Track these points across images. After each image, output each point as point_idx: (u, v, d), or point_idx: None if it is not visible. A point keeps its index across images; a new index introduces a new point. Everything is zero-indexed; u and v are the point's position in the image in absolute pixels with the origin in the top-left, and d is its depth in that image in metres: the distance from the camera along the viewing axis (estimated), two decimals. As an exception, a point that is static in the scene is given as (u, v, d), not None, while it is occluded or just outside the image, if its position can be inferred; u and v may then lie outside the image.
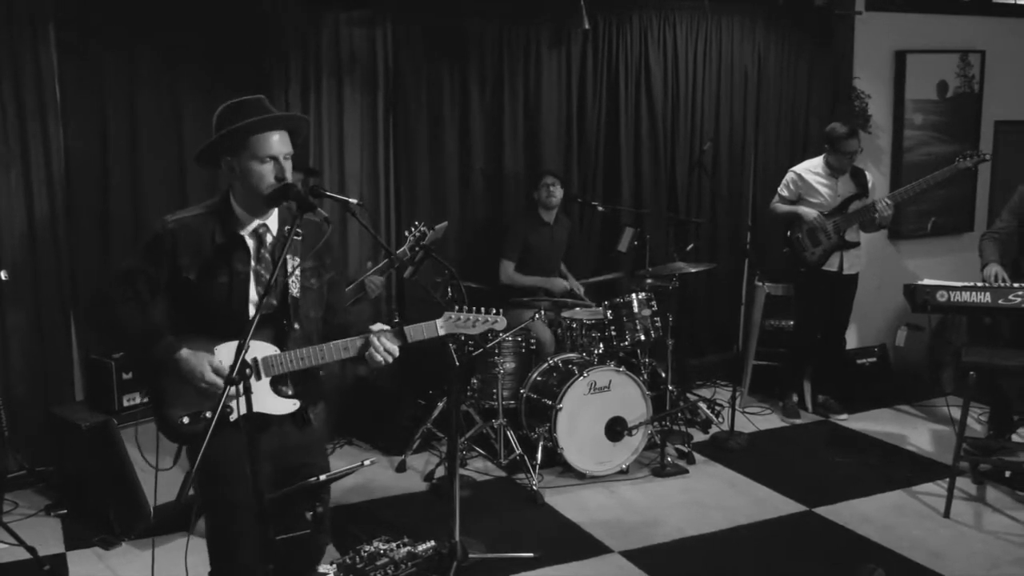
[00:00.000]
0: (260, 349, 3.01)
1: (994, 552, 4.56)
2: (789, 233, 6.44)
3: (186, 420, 2.91)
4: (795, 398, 6.74)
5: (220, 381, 2.87)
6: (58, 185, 5.30)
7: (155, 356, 2.90)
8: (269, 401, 3.04)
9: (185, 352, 2.90)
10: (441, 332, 3.24)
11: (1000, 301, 5.13)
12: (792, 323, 6.90)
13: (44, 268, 5.30)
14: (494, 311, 3.33)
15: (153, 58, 5.42)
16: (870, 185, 6.35)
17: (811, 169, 6.40)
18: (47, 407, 5.21)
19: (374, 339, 3.06)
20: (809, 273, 6.42)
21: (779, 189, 6.52)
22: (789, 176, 6.48)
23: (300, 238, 3.04)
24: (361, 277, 5.14)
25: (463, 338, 5.55)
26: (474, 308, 3.29)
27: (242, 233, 3.02)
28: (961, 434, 5.00)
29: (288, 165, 2.99)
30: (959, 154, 6.14)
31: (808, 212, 6.30)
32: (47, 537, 4.69)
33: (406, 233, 5.19)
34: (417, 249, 5.07)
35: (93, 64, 5.30)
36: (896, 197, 6.20)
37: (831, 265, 6.37)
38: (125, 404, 4.87)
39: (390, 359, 3.08)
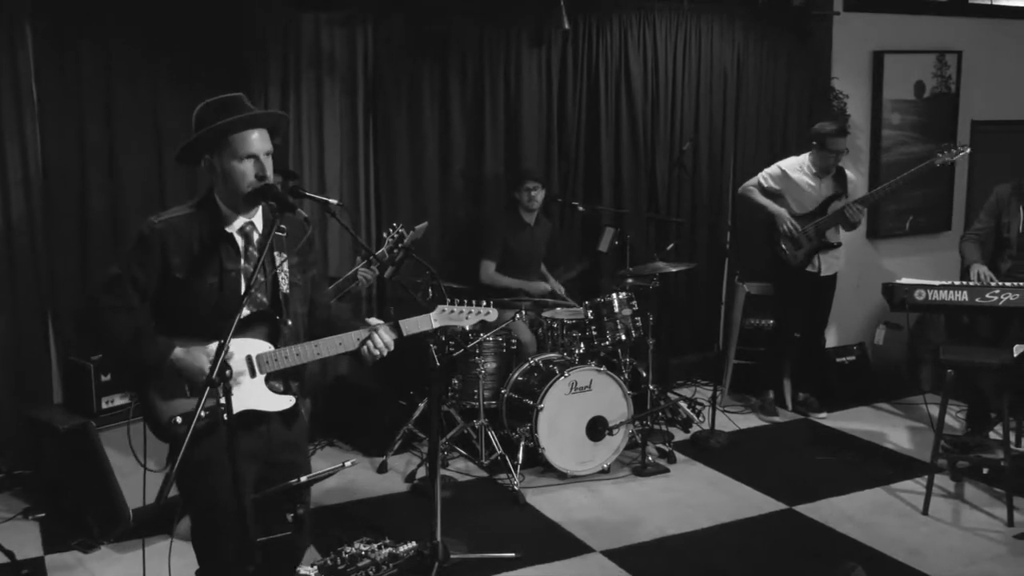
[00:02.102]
0: (254, 346, 3.01)
1: (972, 548, 4.60)
2: (772, 238, 6.44)
3: (179, 420, 2.91)
4: (771, 395, 6.75)
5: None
6: (35, 184, 5.25)
7: (150, 360, 2.89)
8: (264, 398, 3.04)
9: (179, 351, 2.90)
10: (435, 324, 3.33)
11: (977, 300, 5.18)
12: (772, 322, 6.92)
13: (21, 269, 5.26)
14: (485, 303, 3.43)
15: (131, 57, 5.39)
16: (850, 185, 6.38)
17: (797, 167, 6.40)
18: (25, 410, 5.15)
19: (374, 333, 3.13)
20: (790, 274, 6.45)
21: (760, 176, 6.51)
22: (773, 170, 6.48)
23: (284, 234, 3.06)
24: (353, 269, 5.15)
25: (444, 339, 5.57)
26: (465, 301, 3.40)
27: (229, 230, 3.01)
28: (939, 432, 5.04)
29: (269, 162, 2.98)
30: (937, 151, 6.17)
31: (780, 215, 6.32)
32: (25, 541, 4.64)
33: (384, 235, 5.18)
34: (396, 250, 5.08)
35: (70, 63, 5.26)
36: (866, 201, 6.25)
37: (811, 267, 6.39)
38: (104, 407, 4.83)
39: (386, 352, 3.15)
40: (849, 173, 6.46)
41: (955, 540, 4.70)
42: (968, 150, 6.06)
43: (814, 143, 6.29)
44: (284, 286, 3.08)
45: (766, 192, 6.47)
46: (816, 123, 6.44)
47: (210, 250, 2.97)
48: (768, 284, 6.85)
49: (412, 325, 3.24)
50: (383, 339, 3.14)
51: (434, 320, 3.32)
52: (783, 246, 6.38)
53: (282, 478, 2.98)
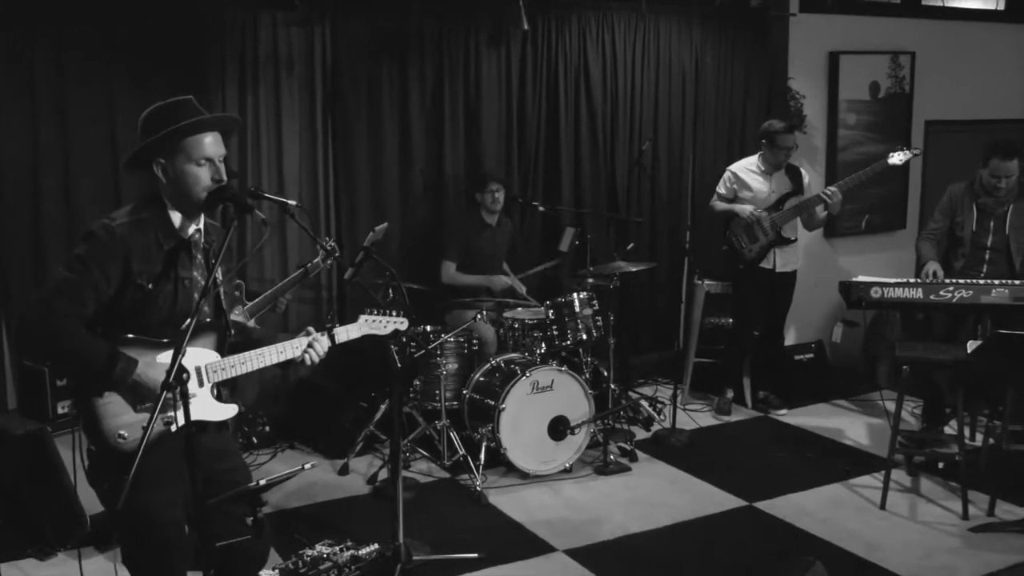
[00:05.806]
0: (201, 356, 2.97)
1: (928, 542, 4.66)
2: (728, 231, 6.51)
3: (125, 435, 2.84)
4: (729, 395, 6.80)
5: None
6: (-13, 188, 5.18)
7: (112, 375, 2.77)
8: (211, 408, 3.01)
9: (141, 369, 2.81)
10: (359, 333, 3.47)
11: (932, 297, 5.26)
12: (731, 320, 6.97)
13: (-27, 273, 5.18)
14: (399, 313, 3.62)
15: (85, 58, 5.31)
16: (805, 182, 6.44)
17: (746, 167, 6.49)
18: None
19: (315, 341, 3.18)
20: (746, 270, 6.50)
21: (717, 187, 6.60)
22: (726, 175, 6.56)
23: (210, 246, 3.04)
24: (272, 290, 5.07)
25: (404, 339, 5.55)
26: (384, 311, 3.57)
27: (184, 237, 2.97)
28: (896, 427, 5.11)
29: (222, 167, 2.95)
30: (890, 151, 6.25)
31: (743, 208, 6.36)
32: (-21, 549, 4.58)
33: (320, 246, 4.89)
34: (332, 261, 5.00)
35: (23, 66, 5.17)
36: (843, 187, 6.25)
37: (766, 262, 6.45)
38: (59, 412, 4.76)
39: (318, 359, 3.22)
40: (804, 171, 6.52)
41: (912, 534, 4.76)
42: (919, 152, 6.21)
43: (764, 140, 6.36)
44: (222, 295, 3.07)
45: (726, 199, 6.53)
46: (765, 121, 6.52)
47: (168, 257, 2.90)
48: (728, 283, 6.89)
49: (343, 333, 3.38)
50: (322, 346, 3.20)
51: (359, 329, 3.47)
52: (738, 238, 6.43)
53: (221, 487, 2.95)
